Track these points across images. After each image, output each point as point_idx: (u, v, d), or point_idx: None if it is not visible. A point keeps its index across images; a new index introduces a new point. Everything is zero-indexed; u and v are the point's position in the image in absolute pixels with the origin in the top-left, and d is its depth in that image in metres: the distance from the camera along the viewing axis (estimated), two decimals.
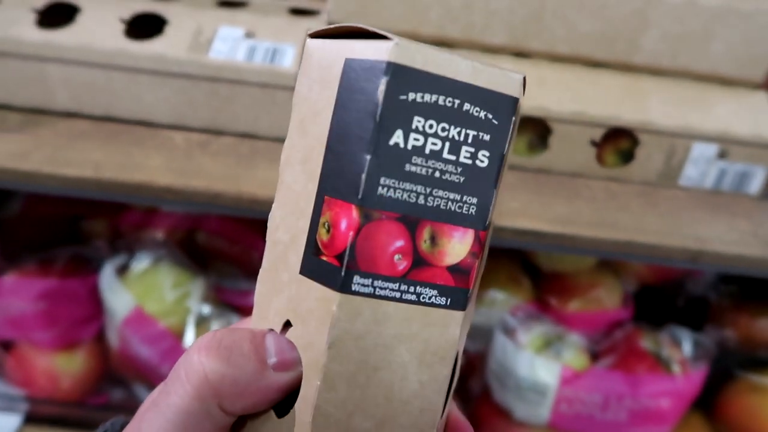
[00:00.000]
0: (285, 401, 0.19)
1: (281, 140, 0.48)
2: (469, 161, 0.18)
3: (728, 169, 0.48)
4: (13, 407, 0.67)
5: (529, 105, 0.46)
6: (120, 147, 0.46)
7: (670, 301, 0.67)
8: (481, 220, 0.18)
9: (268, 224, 0.21)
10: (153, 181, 0.44)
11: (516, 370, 0.59)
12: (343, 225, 0.17)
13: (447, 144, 0.18)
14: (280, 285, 0.20)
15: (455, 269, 0.18)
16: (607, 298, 0.63)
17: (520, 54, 0.50)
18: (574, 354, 0.59)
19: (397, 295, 0.18)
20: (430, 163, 0.18)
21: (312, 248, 0.18)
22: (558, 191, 0.48)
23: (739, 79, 0.49)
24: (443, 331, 0.18)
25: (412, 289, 0.18)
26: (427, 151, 0.18)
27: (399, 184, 0.17)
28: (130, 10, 0.48)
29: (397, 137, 0.17)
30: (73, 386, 0.64)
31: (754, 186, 0.49)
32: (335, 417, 0.18)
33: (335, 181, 0.18)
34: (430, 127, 0.17)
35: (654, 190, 0.49)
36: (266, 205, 0.43)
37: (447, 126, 0.18)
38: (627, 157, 0.49)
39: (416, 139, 0.17)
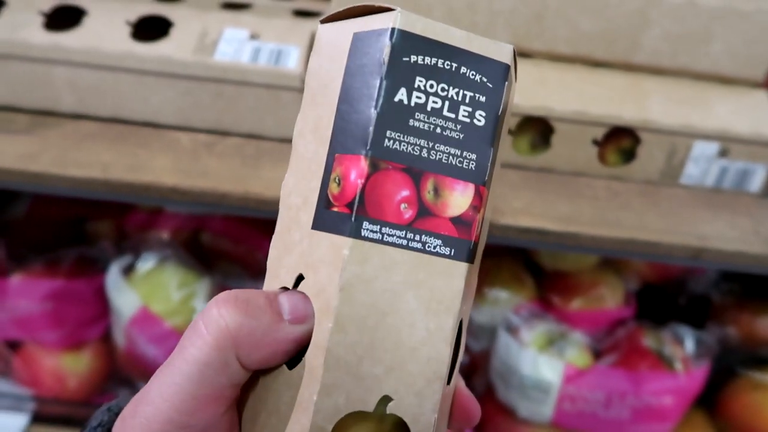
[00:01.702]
0: (296, 360, 0.20)
1: (287, 141, 0.49)
2: (467, 120, 0.20)
3: (729, 168, 0.49)
4: (20, 407, 0.67)
5: (532, 104, 0.47)
6: (127, 148, 0.47)
7: (672, 300, 0.67)
8: (480, 175, 0.20)
9: (281, 192, 0.22)
10: (160, 182, 0.44)
11: (519, 368, 0.59)
12: (353, 175, 0.19)
13: (446, 103, 0.19)
14: (292, 244, 0.21)
15: (458, 221, 0.20)
16: (610, 297, 0.63)
17: (523, 54, 0.50)
18: (577, 352, 0.60)
19: (404, 242, 0.19)
20: (431, 119, 0.19)
21: (323, 202, 0.20)
22: (560, 190, 0.48)
23: (740, 78, 0.50)
24: (448, 281, 0.19)
25: (417, 237, 0.19)
26: (428, 108, 0.19)
27: (403, 137, 0.19)
28: (136, 13, 0.48)
29: (401, 94, 0.19)
30: (80, 386, 0.65)
31: (755, 184, 0.49)
32: (345, 360, 0.19)
33: (345, 139, 0.19)
34: (431, 86, 0.19)
35: (655, 188, 0.50)
36: (272, 205, 0.44)
37: (446, 86, 0.19)
38: (628, 156, 0.49)
39: (418, 97, 0.19)
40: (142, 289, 0.59)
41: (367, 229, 0.19)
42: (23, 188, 0.46)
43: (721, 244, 0.45)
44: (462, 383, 0.23)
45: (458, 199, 0.20)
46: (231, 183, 0.44)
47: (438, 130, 0.19)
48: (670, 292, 0.68)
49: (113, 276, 0.61)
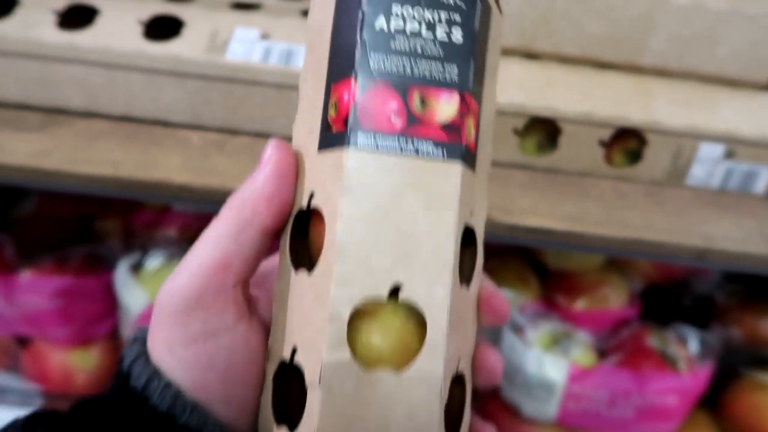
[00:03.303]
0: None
1: None
2: (446, 39, 0.22)
3: (734, 169, 0.49)
4: (29, 402, 0.68)
5: (539, 105, 0.47)
6: (138, 146, 0.47)
7: (676, 300, 0.68)
8: (463, 83, 0.21)
9: (293, 134, 0.24)
10: (170, 180, 0.45)
11: (524, 367, 0.60)
12: (346, 96, 0.21)
13: (424, 25, 0.21)
14: (303, 173, 0.23)
15: (446, 127, 0.21)
16: (614, 297, 0.63)
17: (530, 55, 0.50)
18: (581, 351, 0.60)
19: (398, 149, 0.21)
20: (411, 41, 0.21)
21: (325, 126, 0.22)
22: (567, 190, 0.49)
23: (745, 80, 0.50)
24: (444, 180, 0.21)
25: (410, 144, 0.21)
26: (407, 32, 0.21)
27: (387, 58, 0.21)
28: (148, 12, 0.49)
29: (381, 21, 0.21)
30: (88, 382, 0.65)
31: (760, 185, 0.50)
32: (355, 255, 0.20)
33: (337, 68, 0.22)
34: (407, 11, 0.21)
35: (661, 189, 0.50)
36: None
37: (421, 10, 0.21)
38: (635, 156, 0.49)
39: (397, 22, 0.21)
40: (150, 287, 0.60)
41: (362, 140, 0.21)
42: (35, 185, 0.46)
43: (727, 245, 0.46)
44: (489, 284, 0.25)
45: (444, 107, 0.21)
46: (240, 181, 0.44)
47: (419, 49, 0.21)
48: (674, 293, 0.68)
49: (122, 273, 0.62)
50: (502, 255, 0.67)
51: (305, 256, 0.23)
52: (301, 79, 0.24)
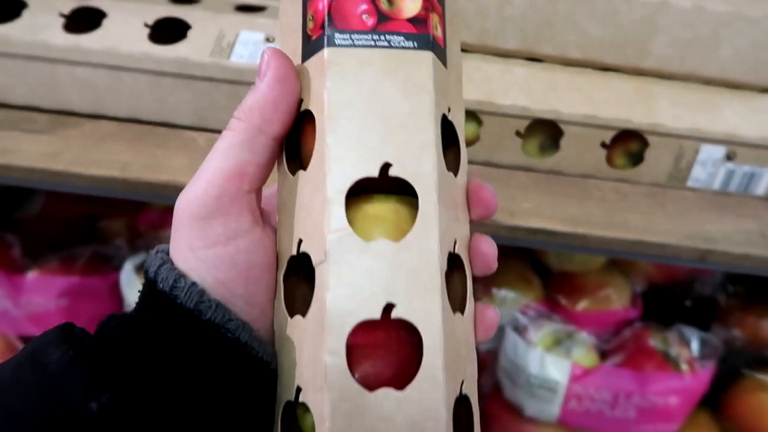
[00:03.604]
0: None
1: None
2: None
3: (736, 171, 0.49)
4: None
5: (541, 108, 0.48)
6: (145, 148, 0.48)
7: (678, 301, 0.68)
8: None
9: None
10: (177, 181, 0.45)
11: (526, 367, 0.60)
12: (320, 6, 0.23)
13: None
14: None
15: (414, 20, 0.23)
16: (616, 298, 0.64)
17: (533, 58, 0.51)
18: (583, 352, 0.60)
19: (372, 43, 0.23)
20: None
21: (305, 39, 0.24)
22: (569, 192, 0.49)
23: (747, 83, 0.51)
24: (418, 67, 0.23)
25: (382, 38, 0.23)
26: None
27: None
28: (154, 15, 0.49)
29: None
30: None
31: (761, 187, 0.50)
32: (344, 139, 0.22)
33: None
34: None
35: (663, 191, 0.50)
36: None
37: None
38: (636, 158, 0.50)
39: None
40: None
41: (339, 38, 0.23)
42: (44, 187, 0.47)
43: (728, 247, 0.46)
44: (476, 178, 0.26)
45: (409, 4, 0.24)
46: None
47: None
48: (676, 294, 0.68)
49: (127, 273, 0.63)
50: (504, 256, 0.67)
51: (300, 161, 0.25)
52: (281, 23, 0.27)
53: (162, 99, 0.49)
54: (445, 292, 0.22)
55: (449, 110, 0.25)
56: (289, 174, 0.25)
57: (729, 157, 0.49)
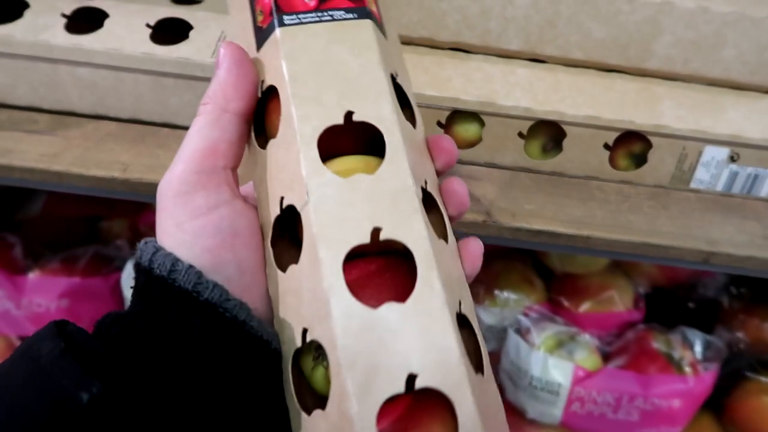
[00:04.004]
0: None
1: None
2: None
3: (739, 173, 0.49)
4: None
5: (544, 109, 0.47)
6: (146, 148, 0.48)
7: (681, 303, 0.68)
8: None
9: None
10: None
11: (529, 369, 0.60)
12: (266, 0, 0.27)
13: None
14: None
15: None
16: (619, 300, 0.64)
17: (536, 59, 0.51)
18: (586, 354, 0.60)
19: (317, 18, 0.26)
20: None
21: (257, 30, 0.27)
22: (572, 193, 0.49)
23: (751, 84, 0.50)
24: (361, 32, 0.26)
25: (326, 14, 0.26)
26: None
27: None
28: (156, 16, 0.49)
29: None
30: None
31: (765, 189, 0.50)
32: (306, 96, 0.25)
33: None
34: None
35: (666, 192, 0.50)
36: None
37: None
38: (639, 160, 0.50)
39: None
40: None
41: (287, 19, 0.26)
42: (45, 187, 0.47)
43: (731, 249, 0.46)
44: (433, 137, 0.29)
45: None
46: (246, 182, 0.45)
47: None
48: (679, 296, 0.68)
49: (128, 274, 0.62)
50: (506, 257, 0.67)
51: (267, 138, 0.27)
52: (231, 17, 0.30)
53: (164, 100, 0.49)
54: (426, 215, 0.24)
55: (397, 75, 0.27)
56: (260, 149, 0.26)
57: (733, 159, 0.48)
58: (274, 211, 0.25)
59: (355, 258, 0.23)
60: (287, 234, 0.26)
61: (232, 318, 0.23)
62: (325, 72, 0.25)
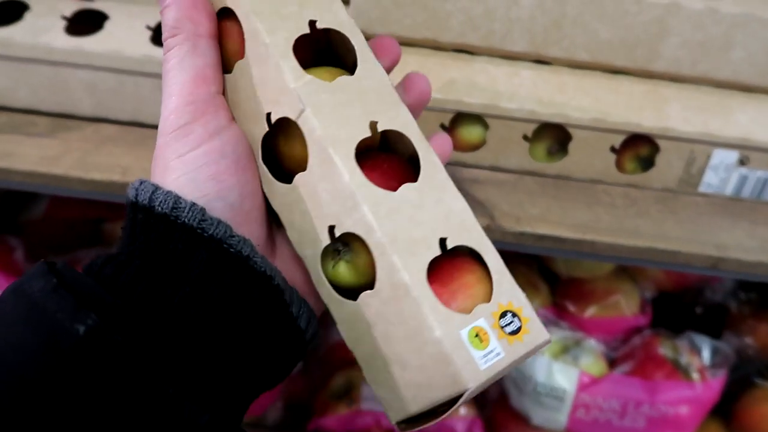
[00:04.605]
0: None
1: None
2: None
3: (749, 176, 0.48)
4: None
5: (549, 112, 0.47)
6: (146, 151, 0.47)
7: (688, 308, 0.67)
8: None
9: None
10: None
11: (534, 375, 0.59)
12: None
13: None
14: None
15: None
16: (625, 304, 0.63)
17: (541, 61, 0.50)
18: (591, 360, 0.59)
19: None
20: None
21: None
22: (577, 197, 0.48)
23: (760, 86, 0.49)
24: None
25: None
26: None
27: None
28: (156, 18, 0.49)
29: None
30: None
31: None
32: (268, 12, 0.25)
33: None
34: None
35: (674, 196, 0.49)
36: None
37: None
38: (647, 163, 0.49)
39: None
40: None
41: None
42: (45, 191, 0.47)
43: (740, 254, 0.45)
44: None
45: None
46: None
47: None
48: (686, 301, 0.67)
49: None
50: (511, 261, 0.66)
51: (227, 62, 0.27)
52: None
53: None
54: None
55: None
56: (228, 76, 0.26)
57: (742, 162, 0.48)
58: (261, 129, 0.26)
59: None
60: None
61: (237, 253, 0.24)
62: None
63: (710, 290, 0.66)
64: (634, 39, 0.48)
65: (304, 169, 0.25)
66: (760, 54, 0.48)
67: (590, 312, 0.63)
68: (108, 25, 0.48)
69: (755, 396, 0.63)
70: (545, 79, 0.49)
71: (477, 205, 0.46)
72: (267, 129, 0.25)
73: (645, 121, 0.47)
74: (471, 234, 0.25)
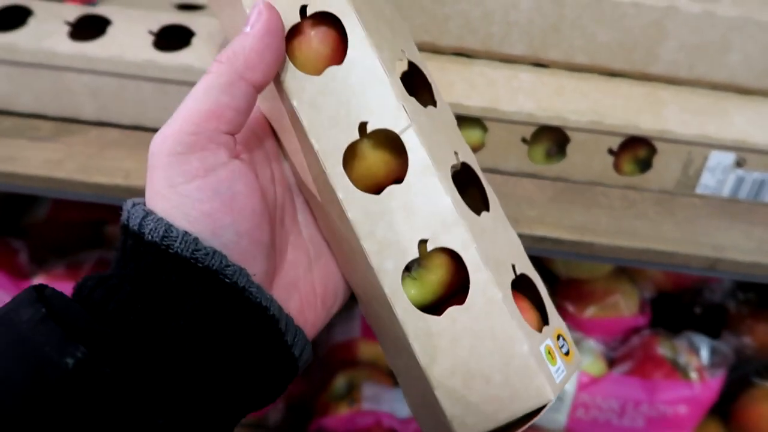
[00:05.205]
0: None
1: None
2: None
3: (745, 178, 0.49)
4: None
5: (548, 114, 0.47)
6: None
7: (687, 309, 0.67)
8: None
9: None
10: None
11: None
12: None
13: None
14: None
15: None
16: (624, 305, 0.63)
17: (539, 64, 0.50)
18: (591, 360, 0.60)
19: None
20: None
21: None
22: (576, 199, 0.48)
23: (757, 88, 0.50)
24: None
25: None
26: None
27: None
28: (158, 23, 0.49)
29: None
30: None
31: None
32: (373, 25, 0.26)
33: None
34: None
35: (671, 198, 0.50)
36: None
37: None
38: (644, 165, 0.49)
39: None
40: None
41: None
42: (48, 194, 0.47)
43: (738, 255, 0.45)
44: None
45: None
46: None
47: None
48: (685, 301, 0.68)
49: None
50: None
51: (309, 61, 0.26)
52: None
53: (166, 106, 0.49)
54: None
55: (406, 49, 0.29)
56: (309, 76, 0.25)
57: (739, 164, 0.48)
58: (347, 136, 0.25)
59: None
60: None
61: (232, 284, 0.23)
62: (375, 7, 0.27)
63: (709, 290, 0.66)
64: (632, 42, 0.48)
65: (374, 185, 0.26)
66: (756, 57, 0.48)
67: (590, 312, 0.63)
68: (111, 31, 0.49)
69: (754, 395, 0.64)
70: (543, 82, 0.49)
71: None
72: (357, 137, 0.25)
73: (643, 123, 0.47)
74: (525, 262, 0.28)
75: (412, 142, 0.25)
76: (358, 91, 0.25)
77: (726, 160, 0.48)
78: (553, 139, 0.49)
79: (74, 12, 0.50)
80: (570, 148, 0.48)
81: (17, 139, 0.48)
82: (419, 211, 0.25)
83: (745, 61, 0.48)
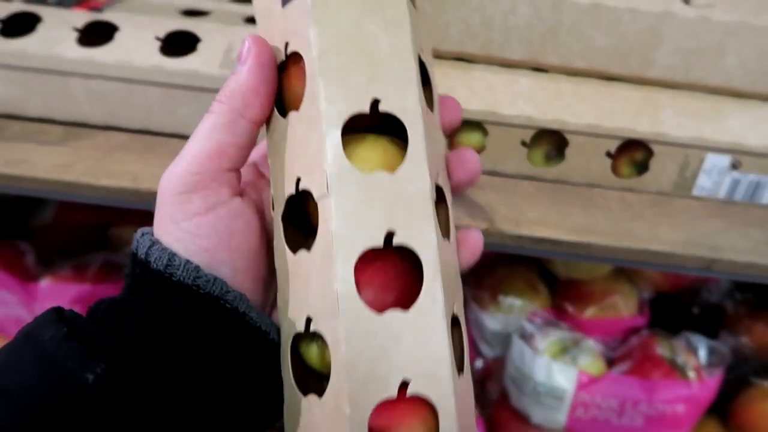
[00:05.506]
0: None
1: None
2: None
3: (741, 180, 0.49)
4: None
5: (546, 118, 0.48)
6: (156, 158, 0.49)
7: (685, 309, 0.68)
8: None
9: (256, 12, 0.28)
10: None
11: (533, 375, 0.60)
12: None
13: None
14: (272, 31, 0.26)
15: None
16: (623, 305, 0.64)
17: (538, 68, 0.51)
18: (590, 359, 0.61)
19: None
20: None
21: None
22: (574, 201, 0.49)
23: (752, 92, 0.51)
24: (395, 5, 0.24)
25: None
26: None
27: None
28: (165, 29, 0.50)
29: None
30: None
31: (767, 196, 0.50)
32: (336, 79, 0.23)
33: None
34: None
35: (668, 199, 0.51)
36: None
37: None
38: (641, 167, 0.50)
39: None
40: None
41: None
42: (57, 197, 0.48)
43: (734, 256, 0.46)
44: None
45: None
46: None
47: None
48: (683, 301, 0.68)
49: None
50: (511, 263, 0.68)
51: (282, 104, 0.26)
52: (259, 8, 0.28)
53: (172, 111, 0.50)
54: (437, 218, 0.24)
55: (422, 51, 0.26)
56: (280, 117, 0.25)
57: (734, 166, 0.49)
58: (289, 189, 0.25)
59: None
60: (298, 210, 0.26)
61: (233, 309, 0.24)
62: (355, 49, 0.24)
63: (707, 291, 0.67)
64: (629, 47, 0.49)
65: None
66: (751, 61, 0.49)
67: (589, 313, 0.64)
68: (118, 36, 0.50)
69: (751, 395, 0.64)
70: (542, 86, 0.50)
71: (477, 209, 0.47)
72: (293, 193, 0.24)
73: (640, 126, 0.48)
74: (439, 388, 0.22)
75: (325, 213, 0.23)
76: (303, 144, 0.24)
77: (722, 163, 0.49)
78: (552, 142, 0.49)
79: (82, 18, 0.51)
80: (569, 151, 0.49)
81: (26, 143, 0.49)
82: (312, 288, 0.23)
83: (740, 65, 0.49)
